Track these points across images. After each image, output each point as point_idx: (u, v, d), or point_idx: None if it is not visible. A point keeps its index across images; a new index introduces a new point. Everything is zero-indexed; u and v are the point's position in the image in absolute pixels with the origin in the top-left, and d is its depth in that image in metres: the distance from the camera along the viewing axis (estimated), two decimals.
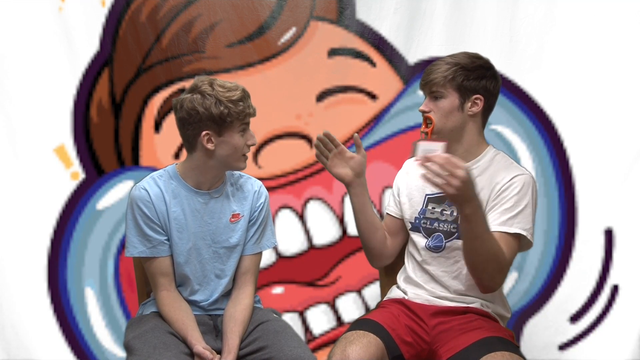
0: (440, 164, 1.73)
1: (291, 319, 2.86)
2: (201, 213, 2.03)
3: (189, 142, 1.99)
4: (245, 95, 1.96)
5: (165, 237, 2.01)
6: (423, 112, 2.03)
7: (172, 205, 2.01)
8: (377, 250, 2.16)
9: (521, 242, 1.97)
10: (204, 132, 1.95)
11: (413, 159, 1.85)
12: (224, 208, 2.05)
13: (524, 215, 1.95)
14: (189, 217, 2.02)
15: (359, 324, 2.00)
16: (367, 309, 2.86)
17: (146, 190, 2.00)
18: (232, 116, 1.93)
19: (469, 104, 2.01)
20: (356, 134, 2.12)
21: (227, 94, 1.93)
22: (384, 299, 2.18)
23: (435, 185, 1.76)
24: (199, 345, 1.93)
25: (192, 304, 2.06)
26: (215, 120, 1.93)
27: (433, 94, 2.03)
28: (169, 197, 2.01)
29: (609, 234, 2.78)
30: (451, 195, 1.75)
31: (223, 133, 1.95)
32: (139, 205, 1.99)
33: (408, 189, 2.15)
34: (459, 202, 1.78)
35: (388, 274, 2.26)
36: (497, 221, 1.94)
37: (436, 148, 1.78)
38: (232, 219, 2.06)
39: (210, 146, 1.96)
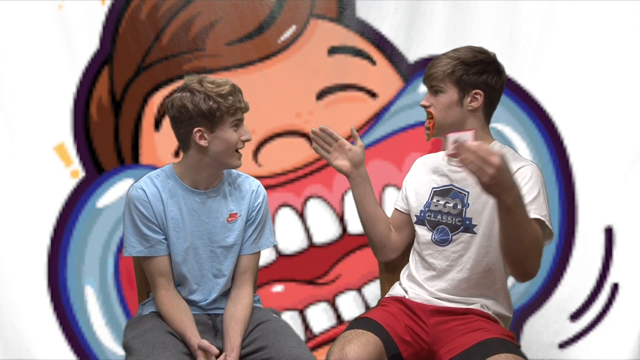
0: (473, 151, 1.64)
1: (291, 318, 2.86)
2: (198, 212, 2.03)
3: (183, 140, 2.00)
4: (234, 90, 1.96)
5: (163, 237, 2.01)
6: (423, 106, 2.03)
7: (169, 204, 2.01)
8: (379, 243, 2.16)
9: (543, 232, 1.90)
10: (195, 129, 1.95)
11: (444, 153, 1.79)
12: (221, 207, 2.05)
13: (538, 202, 1.89)
14: (186, 217, 2.02)
15: (357, 323, 2.00)
16: (367, 307, 2.86)
17: (143, 190, 2.00)
18: (222, 110, 1.93)
19: (469, 99, 1.99)
20: (352, 127, 2.13)
21: (216, 89, 1.93)
22: (386, 295, 2.17)
23: (471, 172, 1.65)
24: (202, 340, 1.91)
25: (191, 303, 2.05)
26: (206, 116, 1.93)
27: (433, 88, 2.02)
28: (166, 197, 2.01)
29: (609, 232, 2.78)
30: (487, 184, 1.64)
31: (215, 129, 1.95)
32: (136, 205, 1.99)
33: (416, 183, 2.15)
34: (497, 192, 1.66)
35: (388, 271, 2.26)
36: None
37: (467, 137, 1.69)
38: (230, 219, 2.06)
39: (203, 143, 1.96)
